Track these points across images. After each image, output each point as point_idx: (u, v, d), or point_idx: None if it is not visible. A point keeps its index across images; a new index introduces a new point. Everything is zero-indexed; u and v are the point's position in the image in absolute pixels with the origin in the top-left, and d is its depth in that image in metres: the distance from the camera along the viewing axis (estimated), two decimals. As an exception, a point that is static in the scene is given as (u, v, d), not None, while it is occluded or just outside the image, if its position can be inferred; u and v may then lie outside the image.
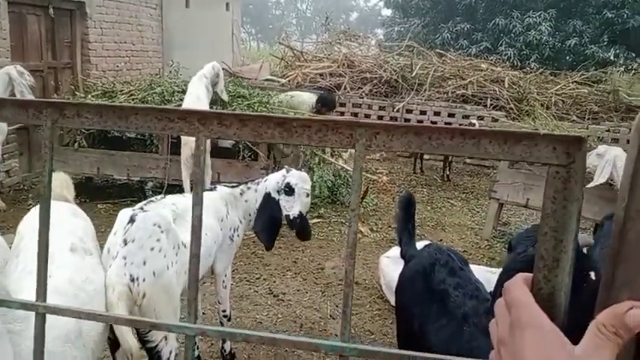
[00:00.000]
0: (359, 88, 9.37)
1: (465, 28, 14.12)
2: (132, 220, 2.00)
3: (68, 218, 2.02)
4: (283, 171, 2.74)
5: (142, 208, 2.12)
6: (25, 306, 0.73)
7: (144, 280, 1.91)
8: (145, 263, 1.92)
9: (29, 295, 1.34)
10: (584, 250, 1.66)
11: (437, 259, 1.74)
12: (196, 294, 0.69)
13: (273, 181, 2.69)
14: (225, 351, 2.91)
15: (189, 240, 2.28)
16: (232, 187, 2.74)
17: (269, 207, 2.64)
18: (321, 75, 9.54)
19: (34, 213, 1.99)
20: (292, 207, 2.66)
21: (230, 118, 0.66)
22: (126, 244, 1.94)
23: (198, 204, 0.67)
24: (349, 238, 0.66)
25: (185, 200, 2.40)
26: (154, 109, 0.67)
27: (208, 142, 4.57)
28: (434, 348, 1.56)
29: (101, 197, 5.57)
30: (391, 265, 3.53)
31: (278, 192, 2.66)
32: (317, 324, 3.41)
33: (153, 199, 2.29)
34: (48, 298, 0.71)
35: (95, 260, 2.03)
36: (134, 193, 5.56)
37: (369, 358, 0.63)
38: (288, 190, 2.65)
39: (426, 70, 9.43)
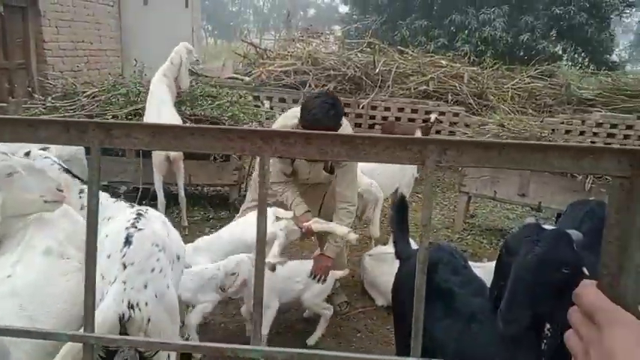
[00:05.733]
0: (323, 85, 9.35)
1: (423, 25, 14.39)
2: (128, 242, 1.88)
3: (56, 219, 2.01)
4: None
5: (135, 226, 1.97)
6: None
7: (146, 304, 1.80)
8: (146, 287, 1.82)
9: None
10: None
11: (439, 257, 1.77)
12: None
13: None
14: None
15: (180, 252, 2.18)
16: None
17: None
18: (285, 72, 9.47)
19: None
20: None
21: (294, 136, 0.64)
22: (125, 268, 1.83)
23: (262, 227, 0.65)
24: (420, 252, 0.66)
25: None
26: (210, 129, 0.65)
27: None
28: (442, 346, 1.59)
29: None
30: (374, 263, 3.57)
31: None
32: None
33: (141, 211, 2.18)
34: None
35: (70, 265, 1.95)
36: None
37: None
38: None
39: (388, 67, 9.54)
